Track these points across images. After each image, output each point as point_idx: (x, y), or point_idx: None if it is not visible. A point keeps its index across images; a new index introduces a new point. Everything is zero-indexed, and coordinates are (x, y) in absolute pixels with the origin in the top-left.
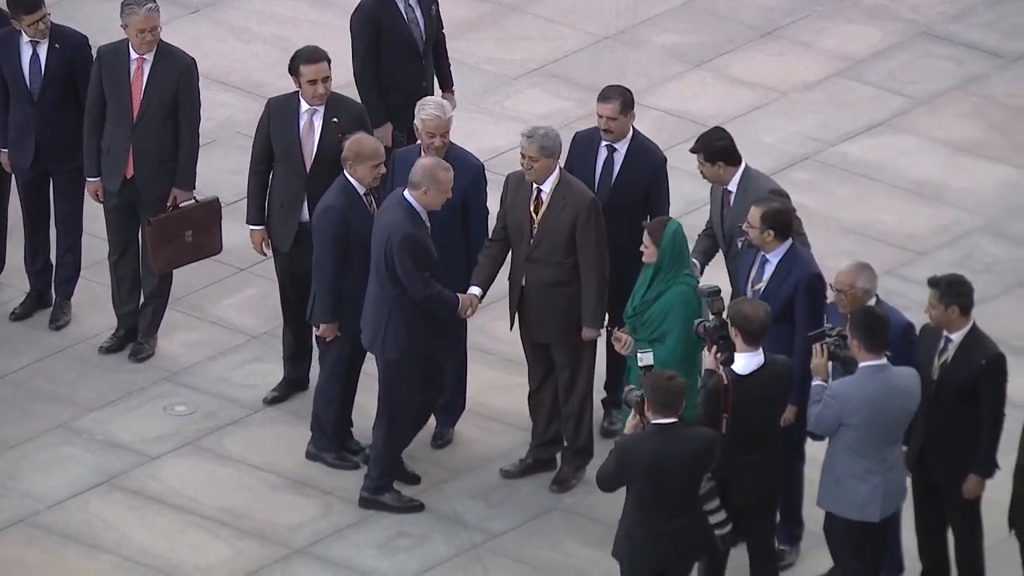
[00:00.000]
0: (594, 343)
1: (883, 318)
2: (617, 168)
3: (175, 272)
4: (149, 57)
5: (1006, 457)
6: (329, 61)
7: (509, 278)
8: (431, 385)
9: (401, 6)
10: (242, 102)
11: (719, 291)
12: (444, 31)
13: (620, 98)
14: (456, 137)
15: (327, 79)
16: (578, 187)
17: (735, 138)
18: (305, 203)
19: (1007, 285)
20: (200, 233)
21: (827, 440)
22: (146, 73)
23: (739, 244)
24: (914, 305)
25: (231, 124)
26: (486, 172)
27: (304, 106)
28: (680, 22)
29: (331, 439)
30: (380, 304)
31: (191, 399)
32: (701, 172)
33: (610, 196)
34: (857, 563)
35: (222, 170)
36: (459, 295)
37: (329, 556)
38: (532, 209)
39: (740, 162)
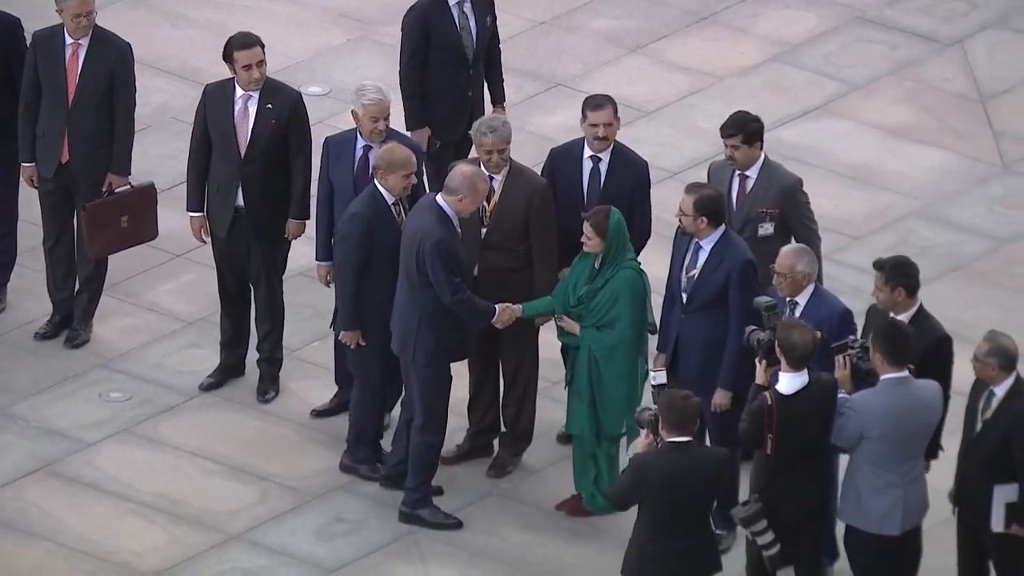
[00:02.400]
0: (538, 330)
1: (907, 331)
2: (603, 177)
3: (110, 258)
4: (84, 42)
5: (949, 439)
6: (263, 46)
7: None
8: (395, 378)
9: (455, 12)
10: (178, 88)
11: (776, 306)
12: (500, 45)
13: (612, 105)
14: (393, 123)
15: (261, 64)
16: (529, 173)
17: (671, 124)
18: (240, 188)
19: (942, 269)
20: (135, 219)
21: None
22: (81, 58)
23: (759, 229)
24: (848, 290)
25: (167, 110)
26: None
27: (239, 92)
28: (615, 7)
29: (369, 451)
30: (410, 309)
31: (127, 385)
32: (731, 156)
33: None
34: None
35: (158, 156)
36: (496, 305)
37: (266, 542)
38: (484, 199)
39: (763, 148)
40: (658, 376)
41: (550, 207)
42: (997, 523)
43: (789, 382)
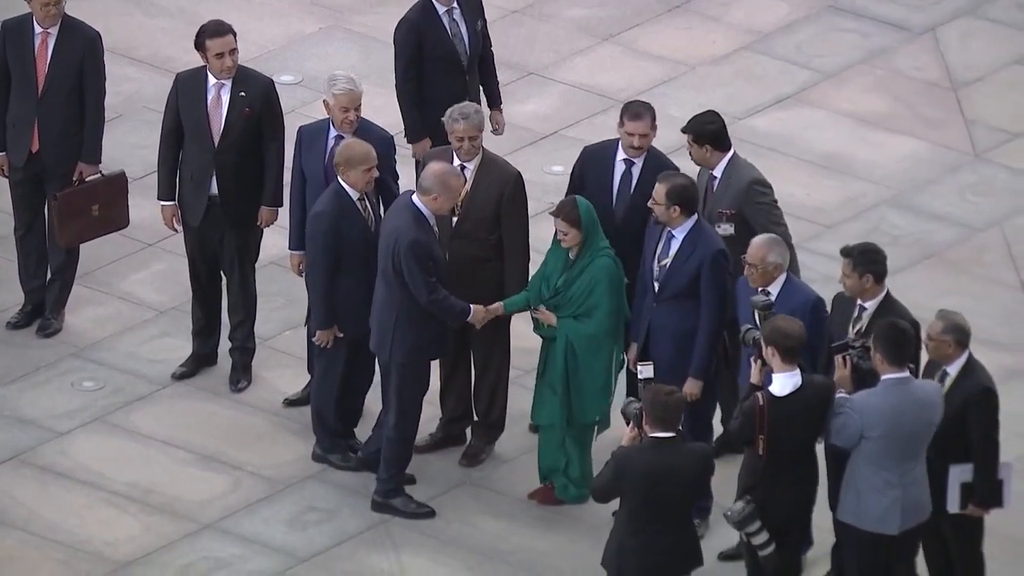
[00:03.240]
0: (509, 319)
1: (907, 331)
2: (635, 183)
3: (82, 247)
4: (54, 31)
5: None
6: (235, 34)
7: None
8: (366, 371)
9: (445, 20)
10: (149, 76)
11: (772, 305)
12: (492, 48)
13: (651, 114)
14: (365, 112)
15: (234, 52)
16: (502, 163)
17: None
18: (214, 177)
19: (914, 257)
20: (107, 207)
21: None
22: (51, 47)
23: (717, 229)
24: (820, 278)
25: (138, 98)
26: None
27: (212, 80)
28: None
29: (335, 439)
30: (387, 308)
31: (99, 374)
32: (689, 153)
33: (627, 211)
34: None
35: (129, 144)
36: (472, 305)
37: (238, 531)
38: None
39: (729, 148)
40: (645, 370)
41: (522, 197)
42: (953, 504)
43: (782, 383)
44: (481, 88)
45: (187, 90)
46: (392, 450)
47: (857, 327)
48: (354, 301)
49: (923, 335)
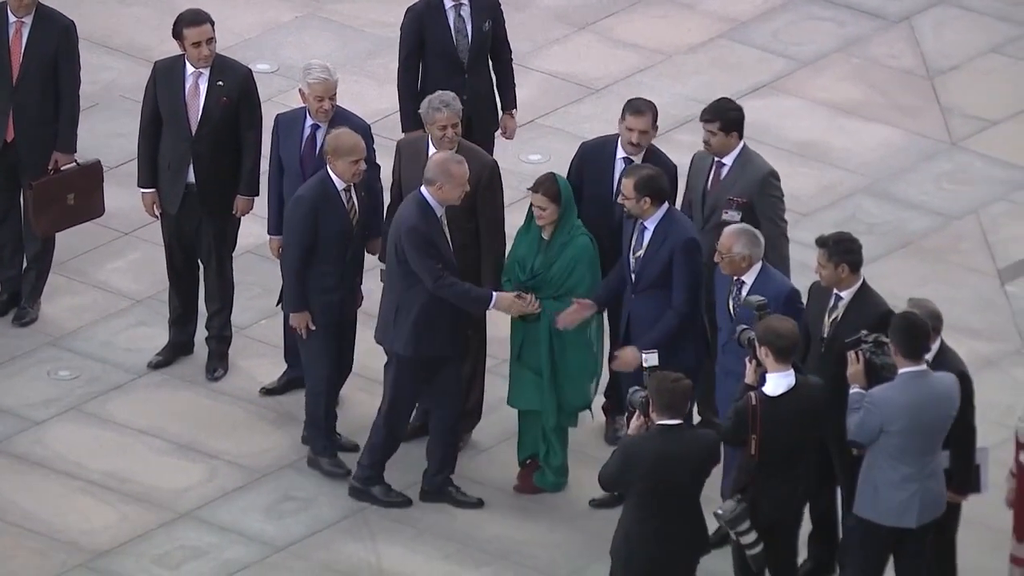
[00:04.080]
0: None
1: (922, 324)
2: None
3: (58, 236)
4: (28, 20)
5: None
6: (212, 23)
7: None
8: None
9: (451, 16)
10: (126, 65)
11: (767, 305)
12: (512, 51)
13: (652, 112)
14: (342, 101)
15: (211, 41)
16: (478, 151)
17: (620, 101)
18: (191, 165)
19: (890, 246)
20: (82, 196)
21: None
22: (25, 36)
23: (723, 215)
24: (797, 266)
25: (114, 87)
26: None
27: (189, 69)
28: None
29: (327, 439)
30: (389, 298)
31: (75, 364)
32: (707, 141)
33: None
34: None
35: (105, 133)
36: (496, 293)
37: (215, 520)
38: None
39: (743, 137)
40: (650, 358)
41: (498, 185)
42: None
43: (776, 383)
44: (496, 89)
45: (165, 79)
46: (377, 438)
47: (833, 316)
48: (327, 289)
49: None
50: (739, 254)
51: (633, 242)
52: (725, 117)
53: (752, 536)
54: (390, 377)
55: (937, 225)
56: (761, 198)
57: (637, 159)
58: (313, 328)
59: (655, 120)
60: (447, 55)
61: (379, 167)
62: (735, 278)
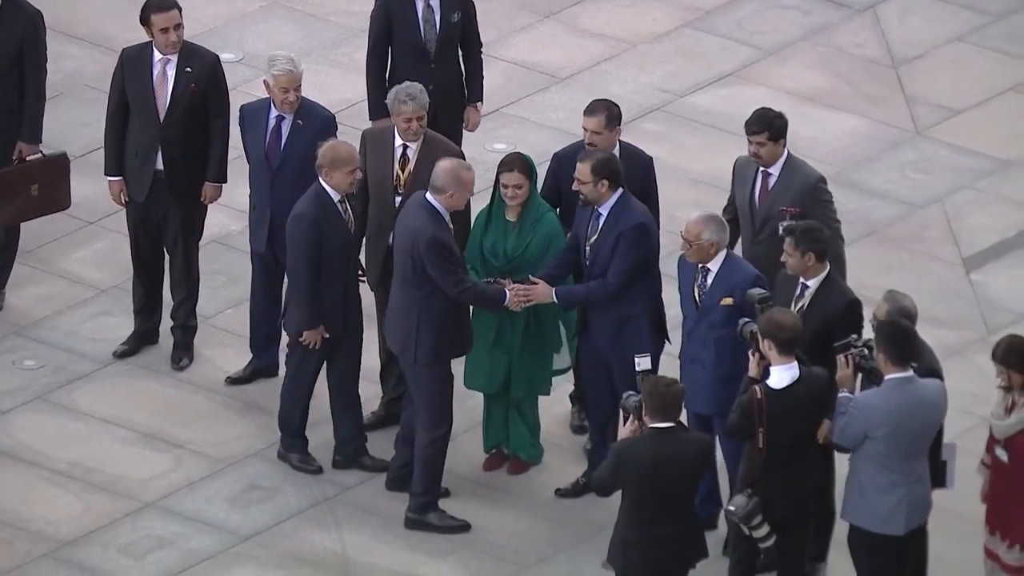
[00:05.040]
0: None
1: (909, 330)
2: None
3: (23, 225)
4: None
5: None
6: (180, 9)
7: (368, 236)
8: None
9: (419, 5)
10: (90, 54)
11: (770, 298)
12: (482, 44)
13: (605, 112)
14: (306, 90)
15: (179, 27)
16: (443, 141)
17: (585, 90)
18: (159, 153)
19: (856, 234)
20: (47, 188)
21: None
22: None
23: (779, 228)
24: None
25: (79, 76)
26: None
27: (157, 55)
28: None
29: (296, 439)
30: (408, 310)
31: (40, 353)
32: (756, 154)
33: None
34: (888, 569)
35: (70, 123)
36: (507, 289)
37: (180, 509)
38: (399, 167)
39: (786, 144)
40: (643, 362)
41: None
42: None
43: (779, 376)
44: (464, 81)
45: (133, 66)
46: (427, 460)
47: (799, 305)
48: (332, 302)
49: (868, 314)
50: (708, 240)
51: (588, 229)
52: (772, 126)
53: (764, 529)
54: (423, 391)
55: (902, 214)
56: (813, 205)
57: None
58: (327, 336)
59: (612, 119)
60: (414, 44)
61: None
62: (700, 266)
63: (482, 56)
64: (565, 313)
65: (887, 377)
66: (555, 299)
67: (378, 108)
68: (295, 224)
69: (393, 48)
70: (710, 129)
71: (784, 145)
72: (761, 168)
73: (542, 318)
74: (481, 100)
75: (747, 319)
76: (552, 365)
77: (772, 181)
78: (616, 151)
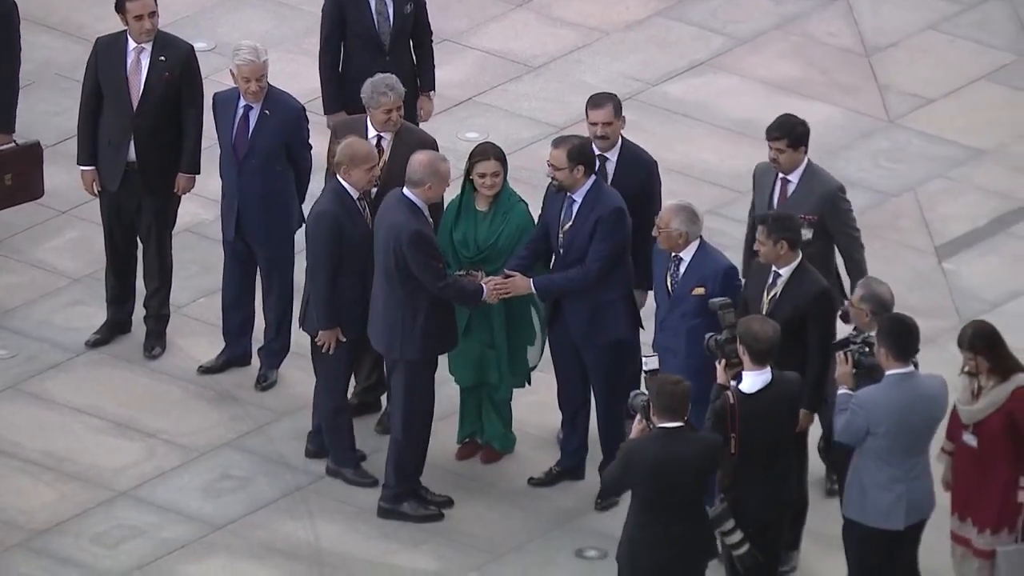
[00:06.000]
0: None
1: (911, 325)
2: (610, 178)
3: None
4: None
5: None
6: None
7: None
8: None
9: None
10: (63, 44)
11: (732, 304)
12: (432, 35)
13: (612, 102)
14: (278, 79)
15: (153, 15)
16: (416, 130)
17: (557, 79)
18: (132, 142)
19: None
20: (20, 177)
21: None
22: None
23: (802, 235)
24: (735, 244)
25: (51, 66)
26: (306, 113)
27: (131, 44)
28: None
29: (351, 451)
30: (392, 306)
31: (13, 342)
32: (775, 159)
33: None
34: (878, 572)
35: (43, 112)
36: (483, 284)
37: (153, 499)
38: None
39: (807, 151)
40: (650, 362)
41: None
42: None
43: (751, 380)
44: (416, 71)
45: (107, 54)
46: (401, 455)
47: (772, 293)
48: (353, 300)
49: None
50: (676, 230)
51: (562, 216)
52: (792, 133)
53: (737, 536)
54: (403, 386)
55: (875, 202)
56: (833, 214)
57: (611, 154)
58: (343, 339)
59: (618, 108)
60: (368, 37)
61: (311, 147)
62: (673, 255)
63: (433, 46)
64: (542, 303)
65: (888, 372)
66: (533, 290)
67: (333, 102)
68: (316, 222)
69: (346, 42)
70: (683, 118)
71: (804, 153)
72: (780, 175)
73: (515, 310)
74: (433, 89)
75: (711, 333)
76: (528, 358)
77: (791, 188)
78: (618, 146)
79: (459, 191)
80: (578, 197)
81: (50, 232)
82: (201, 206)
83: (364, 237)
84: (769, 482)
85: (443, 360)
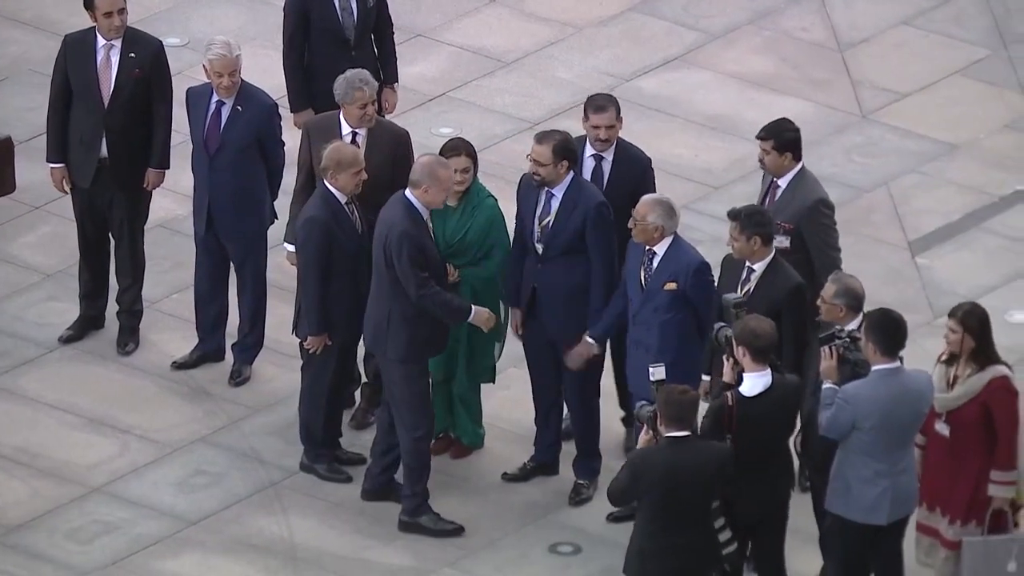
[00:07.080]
0: None
1: (899, 320)
2: (606, 177)
3: None
4: None
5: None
6: None
7: None
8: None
9: None
10: (35, 39)
11: (745, 303)
12: (393, 27)
13: (614, 106)
14: (251, 74)
15: (123, 11)
16: (388, 124)
17: (531, 74)
18: (104, 139)
19: None
20: None
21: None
22: None
23: (776, 240)
24: (708, 239)
25: (24, 61)
26: (279, 109)
27: (101, 41)
28: None
29: (322, 450)
30: (380, 303)
31: None
32: (762, 160)
33: None
34: (858, 567)
35: (15, 108)
36: (475, 307)
37: (127, 495)
38: None
39: (800, 159)
40: (656, 372)
41: (412, 155)
42: None
43: (752, 383)
44: (379, 64)
45: (76, 51)
46: (410, 459)
47: (745, 289)
48: (344, 305)
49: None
50: (652, 223)
51: (539, 210)
52: (780, 137)
53: (726, 534)
54: (397, 387)
55: (848, 197)
56: (809, 225)
57: (608, 155)
58: (329, 343)
59: (619, 113)
60: (333, 33)
61: (284, 143)
62: (647, 248)
63: (394, 38)
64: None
65: (874, 367)
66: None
67: (300, 99)
68: (306, 228)
69: (311, 38)
70: (656, 113)
71: (793, 159)
72: (773, 177)
73: (481, 295)
74: (397, 81)
75: (722, 323)
76: (495, 354)
77: (778, 194)
78: (613, 146)
79: None
80: (558, 192)
81: (23, 228)
82: (174, 201)
83: (354, 242)
84: (762, 483)
85: None
